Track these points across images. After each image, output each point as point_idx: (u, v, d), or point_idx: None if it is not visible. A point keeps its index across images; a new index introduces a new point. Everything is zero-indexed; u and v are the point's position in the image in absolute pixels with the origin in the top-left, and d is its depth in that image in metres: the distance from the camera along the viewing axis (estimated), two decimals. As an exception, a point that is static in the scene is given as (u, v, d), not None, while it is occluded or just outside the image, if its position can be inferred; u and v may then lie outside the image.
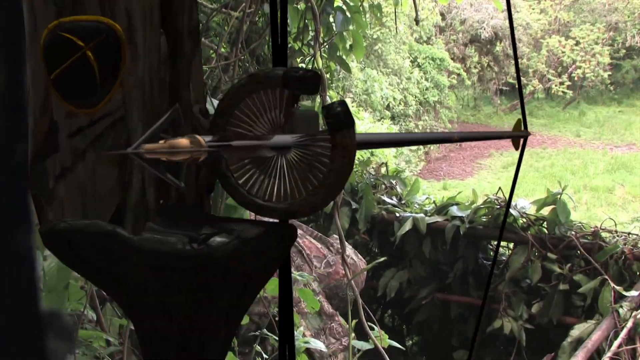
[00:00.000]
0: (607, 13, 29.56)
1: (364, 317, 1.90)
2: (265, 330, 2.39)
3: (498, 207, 4.45)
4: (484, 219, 4.28)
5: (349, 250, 5.69)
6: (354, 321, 1.88)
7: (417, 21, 3.33)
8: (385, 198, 7.57)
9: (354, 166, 4.58)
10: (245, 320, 2.41)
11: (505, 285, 4.38)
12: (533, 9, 29.80)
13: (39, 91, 1.50)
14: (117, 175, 1.52)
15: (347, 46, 4.86)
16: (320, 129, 1.57)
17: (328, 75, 5.21)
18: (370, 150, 7.98)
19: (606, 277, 3.97)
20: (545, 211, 4.34)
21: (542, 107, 28.49)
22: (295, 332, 2.42)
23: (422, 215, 6.72)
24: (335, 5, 4.57)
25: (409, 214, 6.78)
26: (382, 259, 3.03)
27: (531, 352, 5.61)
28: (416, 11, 3.25)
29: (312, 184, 1.50)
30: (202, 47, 3.92)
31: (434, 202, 7.55)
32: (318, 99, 4.82)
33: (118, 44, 1.47)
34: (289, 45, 4.75)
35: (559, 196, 4.28)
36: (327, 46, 4.66)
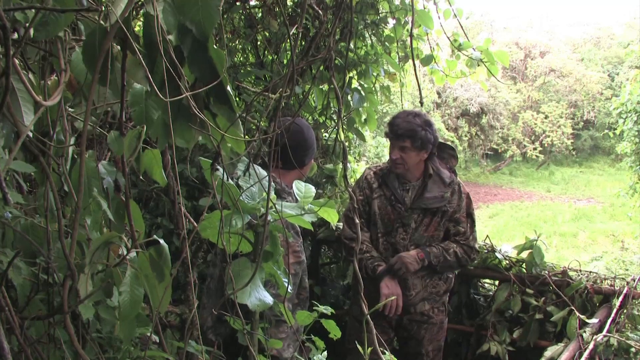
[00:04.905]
0: (568, 93, 29.76)
1: (377, 344, 1.85)
2: (296, 354, 2.33)
3: (486, 251, 4.36)
4: (475, 261, 4.21)
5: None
6: (370, 349, 1.83)
7: (421, 103, 3.31)
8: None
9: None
10: (279, 344, 2.35)
11: (492, 315, 4.27)
12: (511, 89, 29.94)
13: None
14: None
15: (363, 120, 4.85)
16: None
17: (347, 144, 5.21)
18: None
19: (572, 308, 3.86)
20: (524, 254, 4.26)
21: (520, 168, 28.44)
22: (319, 355, 2.36)
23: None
24: (352, 87, 4.59)
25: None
26: (393, 297, 2.96)
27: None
28: (420, 95, 3.23)
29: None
30: (247, 121, 3.93)
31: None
32: (340, 165, 4.80)
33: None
34: (315, 119, 4.75)
35: (535, 242, 4.20)
36: (346, 120, 4.66)
